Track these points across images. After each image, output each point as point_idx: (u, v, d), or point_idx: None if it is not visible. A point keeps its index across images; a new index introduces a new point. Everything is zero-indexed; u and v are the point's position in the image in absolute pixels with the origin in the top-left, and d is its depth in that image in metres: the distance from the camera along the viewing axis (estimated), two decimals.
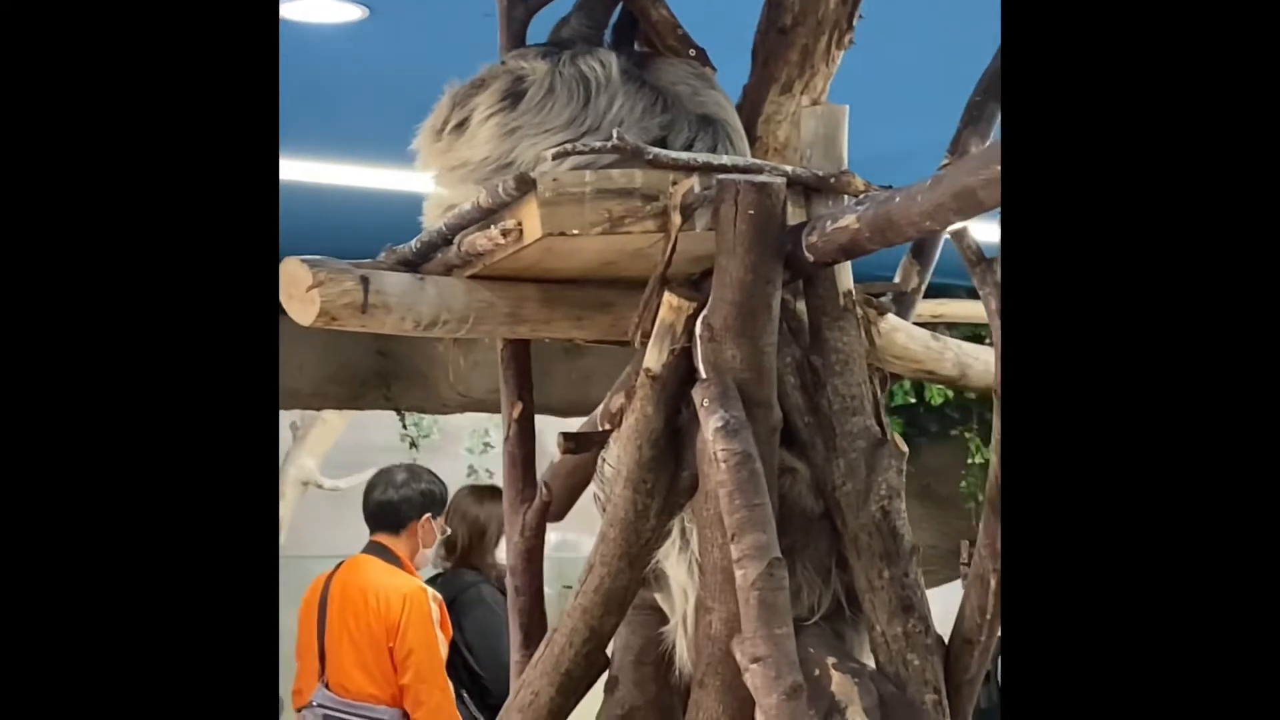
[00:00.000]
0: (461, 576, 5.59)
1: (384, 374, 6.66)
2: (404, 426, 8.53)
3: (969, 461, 7.68)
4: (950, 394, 7.58)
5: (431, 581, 5.59)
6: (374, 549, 5.47)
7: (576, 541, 8.35)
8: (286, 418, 8.37)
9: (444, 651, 5.31)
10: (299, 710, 5.36)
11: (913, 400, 7.59)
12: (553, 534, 2.64)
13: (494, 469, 9.79)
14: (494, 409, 6.99)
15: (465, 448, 9.73)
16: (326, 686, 5.29)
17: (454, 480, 5.95)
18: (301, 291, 2.11)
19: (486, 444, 9.77)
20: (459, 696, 5.35)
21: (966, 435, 7.70)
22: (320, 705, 5.25)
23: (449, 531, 5.61)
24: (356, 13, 3.73)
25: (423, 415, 8.46)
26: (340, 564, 5.54)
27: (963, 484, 7.66)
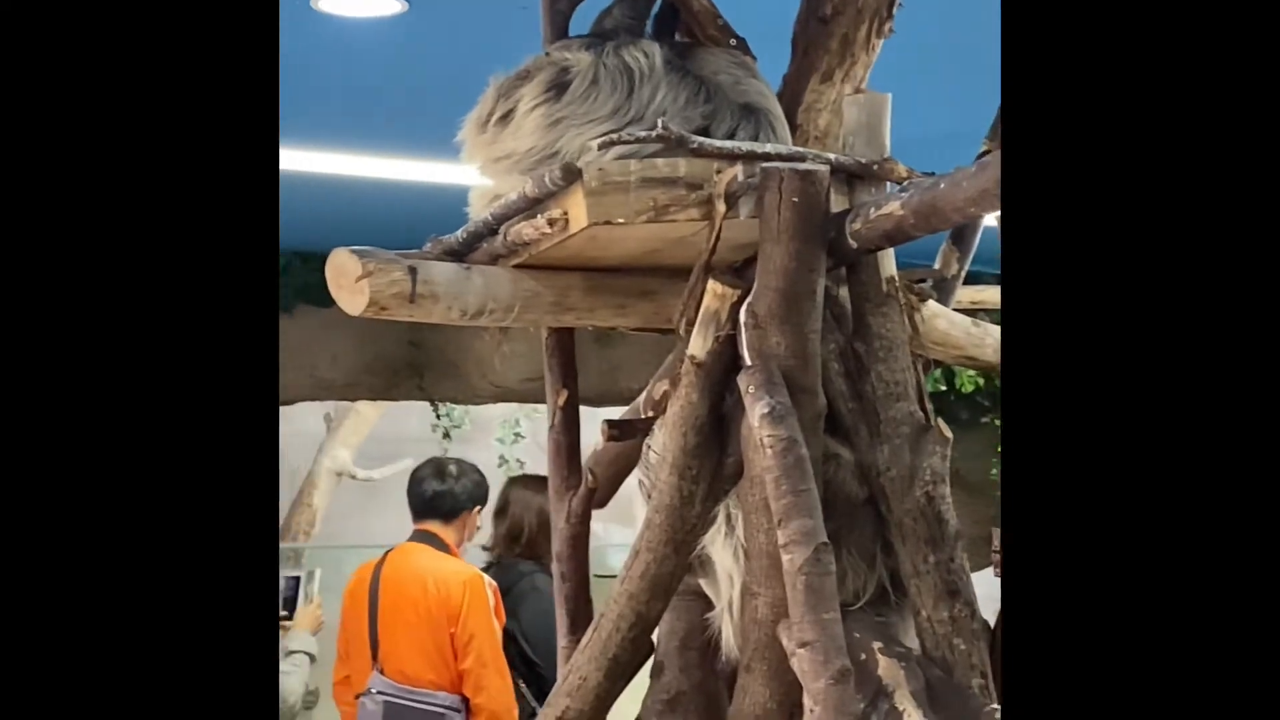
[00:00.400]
0: (516, 566, 5.62)
1: (417, 365, 6.67)
2: (437, 417, 8.54)
3: (999, 449, 7.67)
4: (981, 381, 7.58)
5: (486, 570, 5.62)
6: (423, 537, 5.51)
7: (602, 532, 8.37)
8: (320, 409, 8.38)
9: (501, 641, 5.36)
10: (357, 698, 5.38)
11: (943, 388, 7.58)
12: None
13: (525, 458, 9.79)
14: (526, 398, 7.06)
15: (496, 438, 9.73)
16: (383, 673, 5.31)
17: (486, 470, 5.99)
18: (350, 282, 2.13)
19: (517, 434, 9.78)
20: (515, 687, 5.38)
21: (997, 422, 7.69)
22: (380, 692, 5.28)
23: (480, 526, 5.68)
24: (396, 6, 3.74)
25: (454, 405, 8.47)
26: (387, 552, 5.57)
27: (993, 471, 7.65)
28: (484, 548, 5.82)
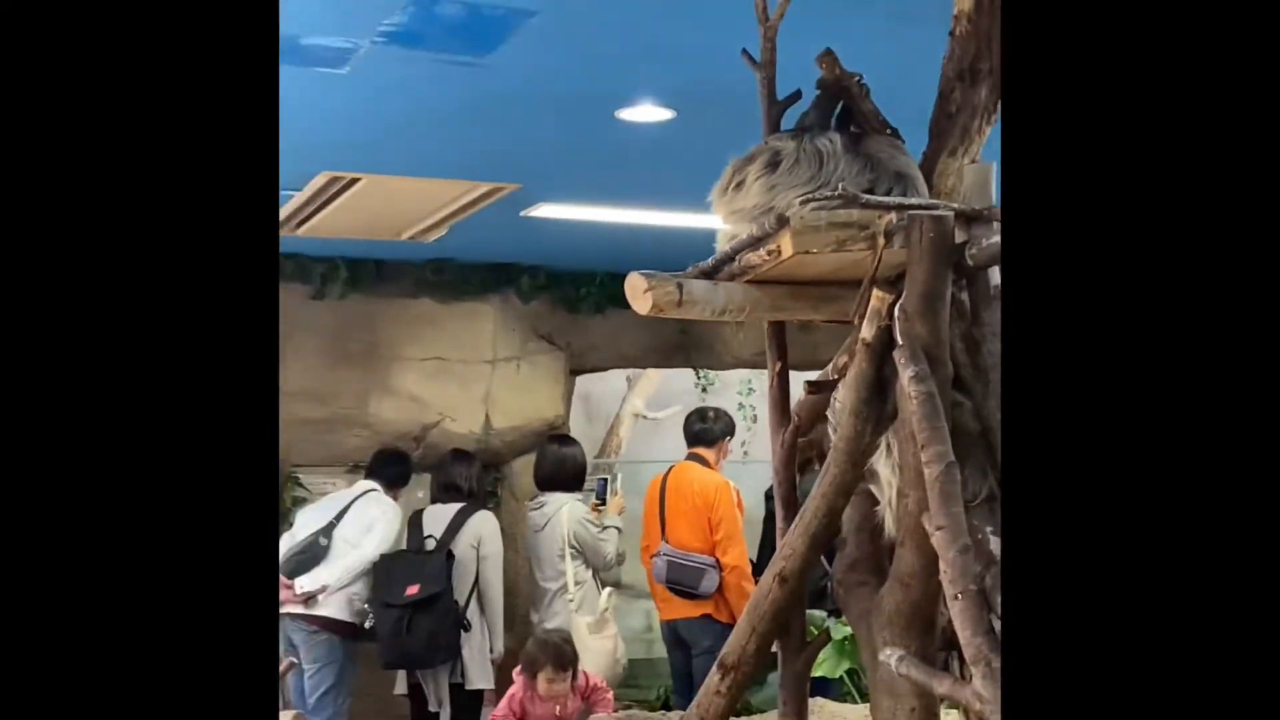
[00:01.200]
0: None
1: (685, 345, 6.69)
2: (697, 378, 8.53)
3: None
4: None
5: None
6: (693, 458, 5.62)
7: None
8: (623, 374, 8.42)
9: (741, 523, 5.39)
10: (651, 557, 5.50)
11: None
12: None
13: (757, 406, 9.75)
14: (756, 366, 7.04)
15: (737, 391, 9.69)
16: (668, 542, 5.42)
17: (731, 413, 6.02)
18: (640, 293, 2.16)
19: (751, 389, 9.74)
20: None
21: None
22: (665, 554, 5.41)
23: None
24: (668, 114, 3.75)
25: (709, 370, 8.44)
26: (671, 467, 5.66)
27: None
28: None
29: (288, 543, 5.26)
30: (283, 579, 5.12)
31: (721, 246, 2.30)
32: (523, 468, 6.14)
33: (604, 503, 5.77)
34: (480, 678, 5.29)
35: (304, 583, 5.11)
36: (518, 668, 4.40)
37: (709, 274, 2.28)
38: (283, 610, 5.14)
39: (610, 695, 4.59)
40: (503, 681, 5.20)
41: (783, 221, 2.10)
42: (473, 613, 5.31)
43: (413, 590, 5.12)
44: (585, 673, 4.51)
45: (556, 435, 5.98)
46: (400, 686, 5.42)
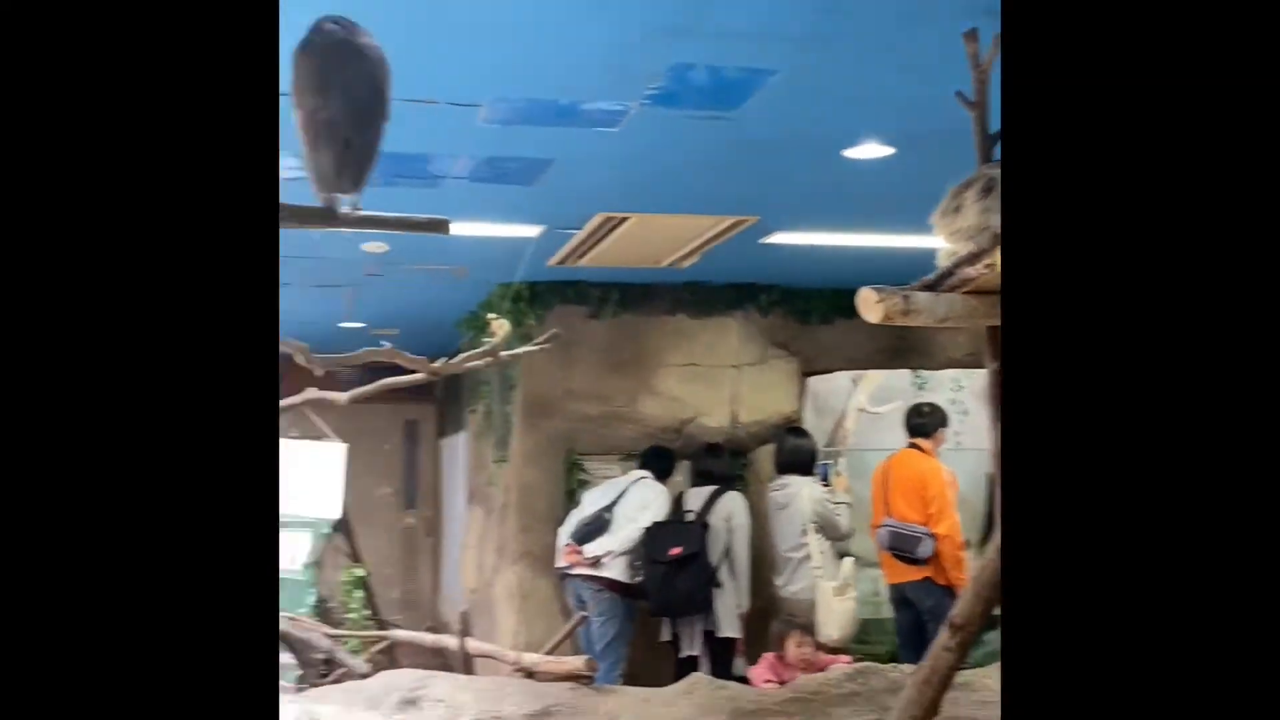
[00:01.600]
0: None
1: (903, 349, 6.65)
2: (915, 377, 8.42)
3: None
4: None
5: None
6: (913, 446, 5.63)
7: None
8: (849, 375, 8.38)
9: (953, 500, 5.38)
10: (875, 529, 5.54)
11: None
12: None
13: (967, 401, 9.46)
14: (964, 365, 6.89)
15: (949, 388, 9.48)
16: (890, 516, 5.47)
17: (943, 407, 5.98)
18: (871, 304, 2.16)
19: (961, 386, 9.50)
20: None
21: None
22: (888, 525, 5.48)
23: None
24: (889, 150, 3.77)
25: (924, 370, 8.32)
26: (893, 455, 5.70)
27: None
28: None
29: (576, 516, 5.60)
30: (573, 544, 5.46)
31: (942, 263, 2.29)
32: (764, 455, 6.26)
33: (827, 483, 5.85)
34: (730, 627, 5.48)
35: (591, 549, 5.42)
36: (770, 653, 4.62)
37: (931, 286, 2.27)
38: (573, 571, 5.46)
39: (846, 658, 4.74)
40: (749, 633, 5.37)
41: (997, 240, 2.09)
42: (723, 575, 5.50)
43: (675, 551, 5.38)
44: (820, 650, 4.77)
45: (792, 428, 6.09)
46: (665, 634, 5.65)
